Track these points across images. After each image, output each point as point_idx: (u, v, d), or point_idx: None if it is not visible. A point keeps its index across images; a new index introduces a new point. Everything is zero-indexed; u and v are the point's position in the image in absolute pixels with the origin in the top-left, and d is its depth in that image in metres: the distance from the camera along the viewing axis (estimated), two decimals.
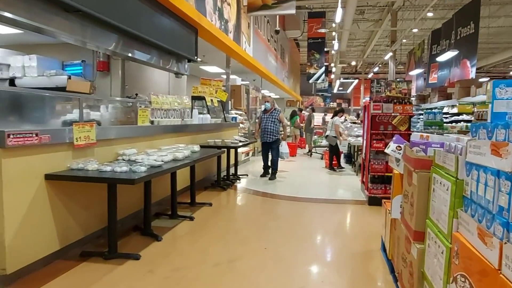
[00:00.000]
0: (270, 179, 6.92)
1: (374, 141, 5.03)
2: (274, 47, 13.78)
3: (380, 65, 20.21)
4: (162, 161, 3.55)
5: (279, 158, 7.09)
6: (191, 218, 4.21)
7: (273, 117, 6.99)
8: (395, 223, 2.61)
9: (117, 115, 5.37)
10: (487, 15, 13.90)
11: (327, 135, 8.58)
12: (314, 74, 14.06)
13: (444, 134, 2.36)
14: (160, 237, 3.52)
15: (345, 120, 14.54)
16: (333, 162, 8.38)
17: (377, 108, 4.97)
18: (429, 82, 13.88)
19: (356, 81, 26.02)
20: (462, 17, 10.84)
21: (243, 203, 5.34)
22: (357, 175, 7.71)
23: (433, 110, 5.34)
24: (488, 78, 13.34)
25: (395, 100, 4.96)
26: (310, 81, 14.48)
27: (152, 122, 4.77)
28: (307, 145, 12.38)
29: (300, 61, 23.94)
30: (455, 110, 11.07)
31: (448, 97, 13.15)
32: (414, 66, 15.49)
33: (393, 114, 4.96)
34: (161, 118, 4.98)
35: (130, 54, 4.58)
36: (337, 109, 9.27)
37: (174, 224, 4.03)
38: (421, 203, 1.93)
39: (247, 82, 12.01)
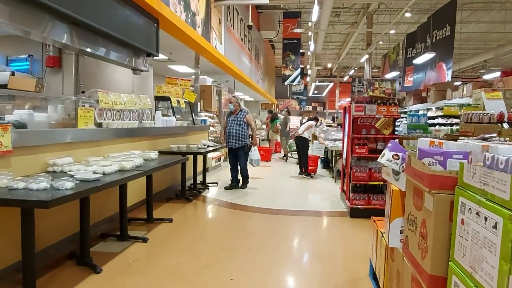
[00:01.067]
0: (241, 187, 6.27)
1: (356, 146, 4.52)
2: (248, 47, 13.22)
3: (355, 68, 20.12)
4: (103, 173, 2.86)
5: (252, 165, 6.37)
6: (144, 240, 3.51)
7: (239, 119, 6.13)
8: (393, 253, 2.05)
9: (61, 117, 4.57)
10: (458, 20, 14.00)
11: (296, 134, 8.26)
12: (289, 75, 13.61)
13: (459, 140, 1.83)
14: (99, 268, 2.81)
15: (321, 123, 14.16)
16: (309, 167, 7.89)
17: (360, 110, 4.46)
18: (405, 85, 13.76)
19: (332, 84, 25.92)
20: (438, 19, 10.71)
21: (209, 218, 4.67)
22: (335, 181, 7.24)
23: (417, 113, 4.90)
24: (460, 82, 13.36)
25: (379, 101, 4.48)
26: (286, 83, 14.01)
27: (100, 124, 4.05)
28: (282, 150, 11.85)
29: (276, 63, 23.56)
30: (430, 114, 10.90)
31: (423, 100, 13.06)
32: (389, 70, 15.40)
33: (376, 116, 4.48)
34: (113, 120, 4.26)
35: (77, 46, 3.84)
36: (313, 116, 8.99)
37: (123, 247, 3.33)
38: (441, 238, 1.37)
39: (221, 84, 11.37)
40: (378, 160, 2.22)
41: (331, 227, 4.29)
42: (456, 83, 11.66)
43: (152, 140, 5.17)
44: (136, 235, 3.56)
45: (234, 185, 6.22)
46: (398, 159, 2.08)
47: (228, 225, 4.31)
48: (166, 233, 3.81)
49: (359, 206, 4.48)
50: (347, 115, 5.00)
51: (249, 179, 6.43)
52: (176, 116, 6.99)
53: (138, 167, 3.36)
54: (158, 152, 4.91)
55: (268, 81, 20.62)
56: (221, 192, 5.98)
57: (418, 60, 10.84)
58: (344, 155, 5.28)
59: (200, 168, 6.57)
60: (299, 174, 7.95)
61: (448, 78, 10.12)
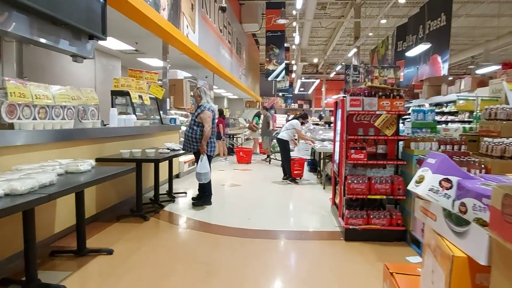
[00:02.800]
0: (194, 203, 4.97)
1: (352, 151, 3.57)
2: (229, 40, 12.19)
3: (342, 64, 19.34)
4: None
5: (198, 179, 4.80)
6: None
7: (192, 117, 4.87)
8: None
9: None
10: None
11: (278, 134, 7.31)
12: (273, 71, 12.67)
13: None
14: None
15: (307, 121, 13.25)
16: (294, 172, 6.96)
17: (356, 105, 3.52)
18: None
19: (318, 81, 25.13)
20: (432, 8, 9.91)
21: (163, 246, 3.53)
22: (324, 187, 6.32)
23: (423, 108, 4.01)
24: (452, 78, 12.67)
25: (380, 93, 3.55)
26: (269, 79, 13.06)
27: (11, 125, 3.00)
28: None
29: (260, 60, 22.59)
30: None
31: (414, 96, 12.32)
32: (378, 65, 14.65)
33: (377, 112, 3.54)
34: (33, 118, 3.21)
35: None
36: (298, 113, 7.90)
37: None
38: None
39: (196, 79, 10.33)
40: (409, 187, 1.26)
41: (321, 258, 3.32)
42: (449, 79, 10.93)
43: (96, 144, 4.12)
44: (49, 282, 2.52)
45: (203, 198, 5.02)
46: (451, 188, 1.12)
47: (186, 256, 3.28)
48: (96, 275, 2.78)
49: (356, 227, 3.55)
50: (339, 112, 4.05)
51: (209, 195, 5.04)
52: (138, 114, 5.95)
53: (45, 187, 2.32)
54: (101, 159, 3.90)
55: (252, 77, 19.63)
56: (189, 206, 4.96)
57: (411, 53, 10.02)
58: (336, 161, 4.34)
59: (165, 176, 5.55)
60: (283, 179, 7.00)
61: (444, 71, 9.36)
